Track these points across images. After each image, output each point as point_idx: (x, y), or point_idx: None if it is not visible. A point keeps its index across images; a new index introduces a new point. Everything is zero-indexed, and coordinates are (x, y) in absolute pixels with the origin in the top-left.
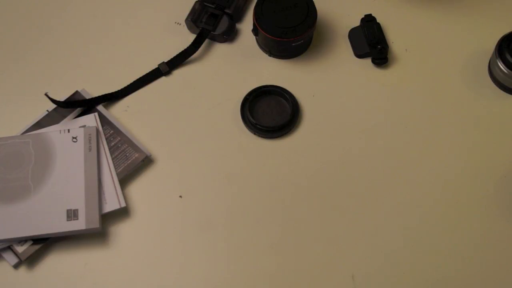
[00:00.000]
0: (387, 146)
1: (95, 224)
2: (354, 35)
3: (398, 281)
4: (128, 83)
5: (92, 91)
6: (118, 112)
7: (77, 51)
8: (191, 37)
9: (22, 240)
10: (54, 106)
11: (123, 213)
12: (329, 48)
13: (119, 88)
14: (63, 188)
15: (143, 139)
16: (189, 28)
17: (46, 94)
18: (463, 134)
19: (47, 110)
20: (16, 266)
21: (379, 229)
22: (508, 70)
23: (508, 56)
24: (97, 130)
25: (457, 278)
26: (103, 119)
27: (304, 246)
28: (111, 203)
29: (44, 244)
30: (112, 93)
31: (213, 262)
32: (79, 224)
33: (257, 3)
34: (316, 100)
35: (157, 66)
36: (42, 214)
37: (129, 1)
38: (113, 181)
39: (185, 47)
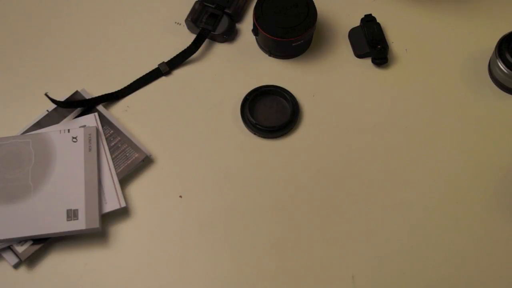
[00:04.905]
0: (387, 146)
1: (95, 224)
2: (354, 35)
3: (398, 281)
4: (128, 83)
5: (92, 91)
6: (118, 112)
7: (77, 51)
8: (191, 37)
9: (22, 240)
10: (54, 106)
11: (123, 213)
12: (329, 48)
13: (119, 88)
14: (63, 188)
15: (143, 139)
16: (189, 28)
17: (46, 94)
18: (463, 134)
19: (47, 110)
20: (16, 266)
21: (379, 229)
22: (508, 70)
23: (508, 56)
24: (97, 130)
25: (457, 278)
26: (103, 119)
27: (304, 246)
28: (111, 203)
29: (44, 244)
30: (112, 93)
31: (213, 262)
32: (79, 224)
33: (257, 3)
34: (316, 100)
35: (157, 66)
36: (42, 214)
37: (129, 1)
38: (113, 181)
39: (185, 47)
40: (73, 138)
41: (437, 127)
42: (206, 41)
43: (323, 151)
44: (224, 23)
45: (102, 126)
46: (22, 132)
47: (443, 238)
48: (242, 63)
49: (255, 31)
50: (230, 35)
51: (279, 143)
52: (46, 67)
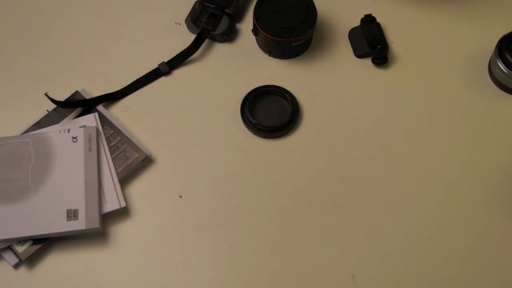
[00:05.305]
0: (387, 146)
1: (95, 224)
2: (354, 35)
3: (398, 281)
4: (128, 83)
5: (92, 91)
6: (118, 112)
7: (77, 51)
8: (191, 37)
9: (22, 240)
10: (54, 106)
11: (123, 213)
12: (329, 48)
13: (119, 88)
14: (63, 188)
15: (143, 139)
16: (189, 28)
17: (46, 94)
18: (463, 134)
19: (47, 110)
20: (16, 266)
21: (379, 229)
22: (508, 70)
23: (508, 56)
24: (97, 130)
25: (457, 278)
26: (103, 119)
27: (304, 246)
28: (111, 203)
29: (44, 244)
30: (112, 93)
31: (213, 262)
32: (79, 224)
33: (257, 3)
34: (316, 100)
35: (157, 66)
36: (42, 214)
37: (129, 1)
38: (113, 181)
39: (185, 47)
40: (73, 138)
41: (437, 127)
42: (206, 41)
43: (323, 151)
44: (224, 23)
45: (102, 126)
46: (22, 132)
47: (443, 238)
48: (242, 63)
49: (255, 31)
50: (230, 35)
51: (279, 143)
52: (46, 67)
